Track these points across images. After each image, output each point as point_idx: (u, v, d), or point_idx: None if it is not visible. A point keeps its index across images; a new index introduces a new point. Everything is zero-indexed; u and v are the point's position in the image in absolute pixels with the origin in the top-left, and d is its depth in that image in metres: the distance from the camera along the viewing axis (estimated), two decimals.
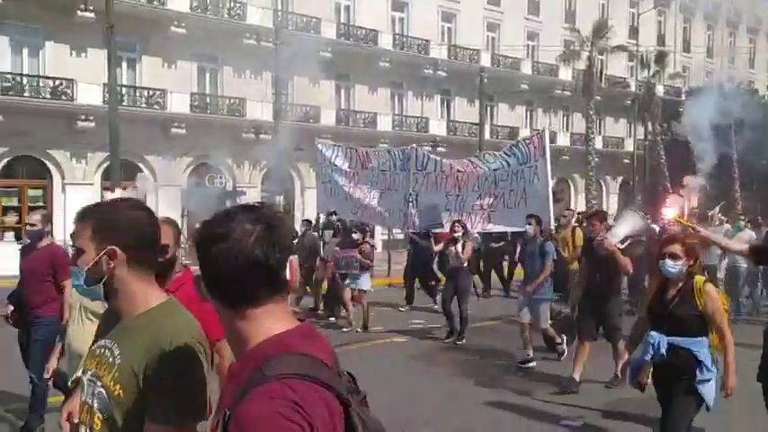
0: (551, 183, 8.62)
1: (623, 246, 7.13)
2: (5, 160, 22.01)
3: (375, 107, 30.26)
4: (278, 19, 25.88)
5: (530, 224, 8.47)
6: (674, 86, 40.42)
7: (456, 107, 33.64)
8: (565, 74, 36.11)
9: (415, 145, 10.52)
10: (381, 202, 11.09)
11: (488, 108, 32.92)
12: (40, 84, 22.06)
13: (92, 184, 22.81)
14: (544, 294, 8.22)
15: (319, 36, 27.39)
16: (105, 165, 21.65)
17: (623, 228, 6.89)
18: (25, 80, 21.89)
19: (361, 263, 10.21)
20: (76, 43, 22.69)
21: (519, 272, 14.48)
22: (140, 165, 22.95)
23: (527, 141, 9.23)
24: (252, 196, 25.85)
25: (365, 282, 10.36)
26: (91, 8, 21.95)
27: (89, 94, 22.22)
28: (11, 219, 22.25)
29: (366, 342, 9.61)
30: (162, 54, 24.43)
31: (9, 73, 21.65)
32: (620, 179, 40.51)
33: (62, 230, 21.80)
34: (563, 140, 36.91)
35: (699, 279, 4.07)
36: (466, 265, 9.60)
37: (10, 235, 21.55)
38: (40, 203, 22.08)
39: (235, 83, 26.15)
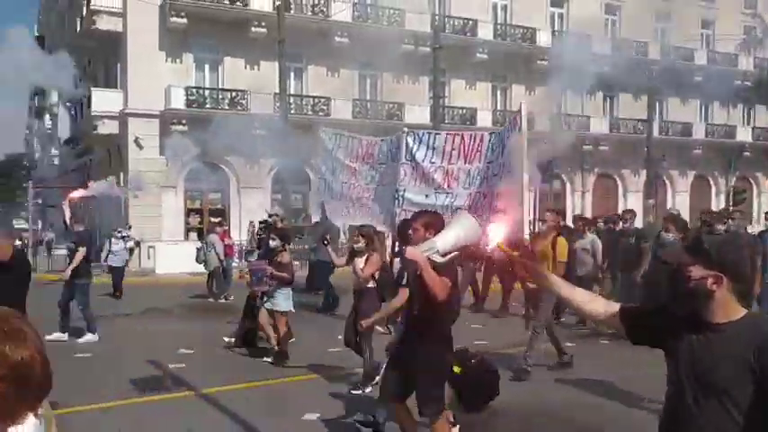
0: (527, 173, 6.02)
1: (445, 258, 4.30)
2: (189, 167, 24.20)
3: (531, 107, 29.47)
4: (435, 23, 26.11)
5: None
6: None
7: (620, 103, 31.90)
8: (745, 63, 32.96)
9: (406, 129, 8.33)
10: (376, 199, 8.98)
11: (658, 102, 30.83)
12: (220, 96, 24.07)
13: (262, 188, 24.46)
14: None
15: (476, 38, 27.33)
16: (275, 169, 23.11)
17: (450, 234, 4.28)
18: (207, 93, 24.01)
19: (273, 276, 8.07)
20: (250, 57, 24.46)
21: (494, 287, 12.69)
22: (306, 170, 24.14)
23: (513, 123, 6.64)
24: None
25: (282, 301, 8.13)
26: (263, 24, 23.63)
27: (259, 104, 23.83)
28: (194, 220, 24.53)
29: (273, 379, 7.47)
30: (326, 63, 25.66)
31: (194, 87, 23.84)
32: None
33: (237, 230, 23.66)
34: (743, 135, 33.74)
35: None
36: (372, 285, 7.22)
37: (193, 235, 23.58)
38: (219, 206, 24.05)
39: (394, 88, 26.78)
